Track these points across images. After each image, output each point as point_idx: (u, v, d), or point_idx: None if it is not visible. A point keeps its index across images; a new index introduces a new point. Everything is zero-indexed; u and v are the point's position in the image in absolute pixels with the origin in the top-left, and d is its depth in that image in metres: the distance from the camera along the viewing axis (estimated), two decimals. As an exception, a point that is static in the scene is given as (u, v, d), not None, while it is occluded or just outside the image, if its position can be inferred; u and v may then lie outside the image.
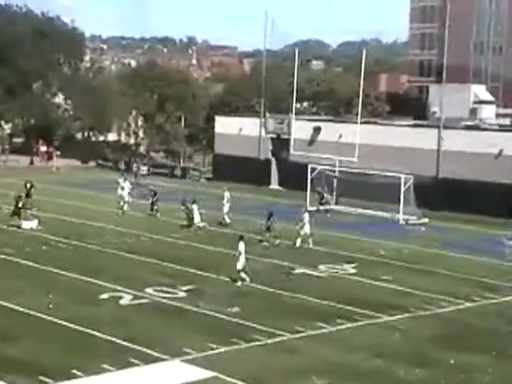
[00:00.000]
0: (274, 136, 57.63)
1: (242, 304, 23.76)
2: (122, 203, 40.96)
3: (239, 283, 26.09)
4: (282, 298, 25.00)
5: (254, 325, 21.66)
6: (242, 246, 26.36)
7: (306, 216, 33.65)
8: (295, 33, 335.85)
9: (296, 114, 54.55)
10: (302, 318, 22.52)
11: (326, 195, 44.76)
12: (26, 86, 76.14)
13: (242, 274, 26.16)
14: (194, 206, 36.71)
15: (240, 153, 57.15)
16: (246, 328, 21.43)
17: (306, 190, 45.72)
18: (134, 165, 60.86)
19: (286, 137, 54.57)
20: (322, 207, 43.90)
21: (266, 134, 57.94)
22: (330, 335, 21.33)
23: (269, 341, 20.46)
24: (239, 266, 26.16)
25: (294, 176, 49.43)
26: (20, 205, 35.14)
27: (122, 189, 41.56)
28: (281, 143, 55.92)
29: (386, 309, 23.91)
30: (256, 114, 60.81)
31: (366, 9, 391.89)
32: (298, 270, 29.13)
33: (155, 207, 40.02)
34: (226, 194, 38.52)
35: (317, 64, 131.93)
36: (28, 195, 39.06)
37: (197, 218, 36.45)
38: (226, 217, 37.82)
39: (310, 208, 44.68)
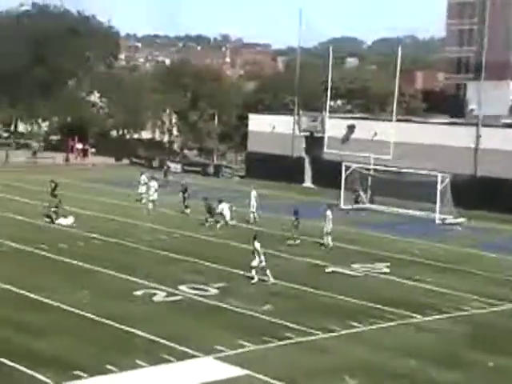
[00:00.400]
0: (308, 134, 57.50)
1: (273, 302, 23.76)
2: (143, 201, 41.31)
3: (255, 280, 26.00)
4: (314, 297, 24.94)
5: (286, 323, 21.66)
6: (257, 244, 26.21)
7: (329, 213, 33.16)
8: (329, 30, 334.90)
9: (330, 111, 54.36)
10: (335, 317, 22.46)
11: (361, 193, 44.43)
12: (61, 85, 77.08)
13: (253, 272, 26.00)
14: (224, 205, 36.46)
15: (273, 151, 57.13)
16: (278, 326, 21.43)
17: (340, 189, 45.54)
18: (167, 163, 60.98)
19: (319, 135, 54.41)
20: (356, 205, 43.66)
21: (299, 131, 57.83)
22: (362, 334, 21.24)
23: (301, 339, 20.44)
24: (254, 263, 26.06)
25: (328, 174, 49.27)
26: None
27: (147, 187, 41.71)
28: (314, 141, 55.77)
29: (419, 309, 23.73)
30: (289, 112, 60.74)
31: (402, 5, 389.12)
32: (331, 269, 29.05)
33: (185, 204, 39.91)
34: (253, 193, 38.33)
35: (351, 62, 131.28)
36: (53, 194, 39.30)
37: (227, 216, 36.38)
38: (251, 215, 37.77)
39: (343, 206, 44.65)
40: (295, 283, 26.30)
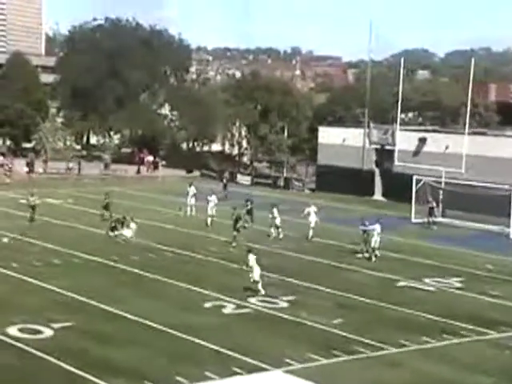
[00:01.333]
0: (378, 147, 56.88)
1: (344, 316, 23.46)
2: (188, 212, 41.07)
3: (261, 292, 25.23)
4: (385, 311, 24.51)
5: (357, 337, 21.32)
6: (251, 258, 25.65)
7: (378, 227, 32.18)
8: (401, 42, 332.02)
9: (401, 124, 53.63)
10: (406, 332, 22.01)
11: (435, 207, 43.31)
12: (133, 97, 78.34)
13: (259, 286, 25.25)
14: (275, 211, 36.47)
15: (343, 163, 56.69)
16: (349, 340, 21.12)
17: (411, 202, 44.84)
18: (226, 175, 58.93)
19: (390, 147, 53.73)
20: (430, 219, 42.66)
21: (369, 144, 57.26)
22: (434, 350, 20.73)
23: (371, 354, 20.09)
24: (256, 277, 25.32)
25: (398, 187, 48.55)
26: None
27: (195, 198, 41.53)
28: (385, 154, 55.13)
29: (494, 325, 23.06)
30: (360, 125, 60.26)
31: (476, 17, 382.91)
32: (402, 283, 28.53)
33: (245, 217, 38.34)
34: (313, 208, 37.25)
35: (422, 74, 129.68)
36: (106, 207, 39.26)
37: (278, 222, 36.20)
38: (310, 232, 36.26)
39: (414, 220, 43.91)
40: (366, 297, 25.91)
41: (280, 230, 36.40)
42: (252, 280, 25.42)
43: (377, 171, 56.74)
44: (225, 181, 54.53)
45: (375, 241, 32.14)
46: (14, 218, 39.05)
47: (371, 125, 58.20)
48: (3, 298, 24.06)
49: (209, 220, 39.32)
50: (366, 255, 32.49)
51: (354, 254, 32.91)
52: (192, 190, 43.49)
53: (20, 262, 28.85)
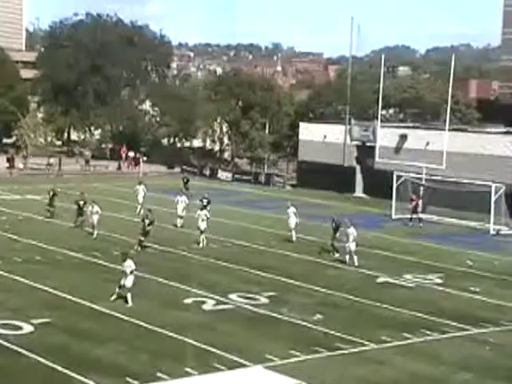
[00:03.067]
0: (359, 143, 57.08)
1: (325, 312, 23.51)
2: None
3: (127, 304, 23.21)
4: (365, 307, 24.61)
5: (338, 333, 21.38)
6: (129, 263, 23.65)
7: (353, 231, 30.72)
8: (382, 39, 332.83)
9: (382, 121, 53.86)
10: (387, 328, 22.09)
11: (418, 205, 43.08)
12: (114, 93, 78.06)
13: (129, 295, 23.36)
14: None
15: (324, 160, 56.85)
16: (329, 336, 21.16)
17: (392, 198, 45.03)
18: (186, 174, 55.51)
19: (371, 144, 53.95)
20: (415, 215, 42.64)
21: (350, 141, 57.43)
22: (415, 346, 20.83)
23: (352, 350, 20.15)
24: (128, 283, 23.38)
25: (379, 184, 48.76)
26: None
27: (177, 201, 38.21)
28: (366, 150, 55.31)
29: (474, 321, 23.22)
30: (341, 121, 60.39)
31: (456, 13, 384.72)
32: (383, 279, 28.66)
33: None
34: (292, 209, 35.52)
35: (404, 70, 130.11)
36: (51, 204, 38.98)
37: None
38: (293, 233, 35.14)
39: (395, 216, 44.11)
40: (346, 293, 26.00)
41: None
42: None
43: (358, 168, 56.90)
44: (185, 179, 52.00)
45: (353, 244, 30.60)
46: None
47: (352, 121, 58.36)
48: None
49: (178, 221, 37.71)
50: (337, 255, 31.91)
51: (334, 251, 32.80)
52: (142, 188, 42.23)
53: (1, 259, 28.67)
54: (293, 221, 35.27)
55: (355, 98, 63.49)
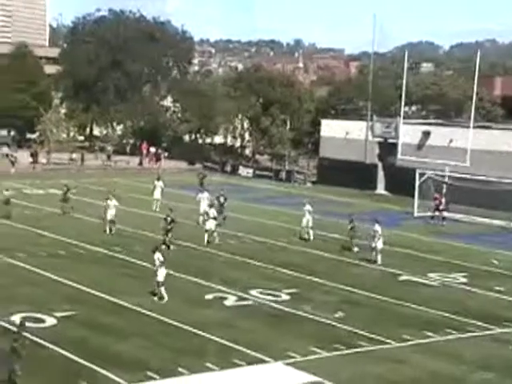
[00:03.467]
0: (381, 140, 56.79)
1: (347, 310, 23.44)
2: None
3: (162, 300, 23.21)
4: (387, 306, 24.49)
5: (359, 331, 21.31)
6: (158, 256, 23.94)
7: (379, 228, 30.70)
8: (405, 35, 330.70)
9: (404, 117, 53.52)
10: (409, 327, 21.99)
11: (441, 203, 42.66)
12: (136, 89, 78.26)
13: (162, 290, 23.36)
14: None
15: (345, 157, 56.57)
16: (351, 334, 21.11)
17: (414, 196, 44.76)
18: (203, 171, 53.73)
19: (393, 141, 53.62)
20: (438, 214, 42.29)
21: (372, 137, 57.14)
22: (437, 345, 20.71)
23: (373, 348, 20.08)
24: (160, 278, 23.30)
25: (401, 181, 48.43)
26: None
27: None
28: (388, 147, 54.98)
29: (498, 321, 23.02)
30: (363, 118, 60.10)
31: (481, 9, 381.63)
32: (405, 277, 28.50)
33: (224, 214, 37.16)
34: (308, 208, 35.39)
35: (427, 67, 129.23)
36: (65, 199, 38.80)
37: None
38: (310, 231, 34.76)
39: (417, 214, 43.83)
40: (368, 291, 25.89)
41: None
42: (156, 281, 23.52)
43: (379, 165, 56.59)
44: (201, 176, 51.00)
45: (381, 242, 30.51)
46: (20, 208, 39.00)
47: (374, 118, 58.05)
48: (8, 288, 24.13)
49: (200, 219, 36.93)
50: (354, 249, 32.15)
51: (356, 248, 32.69)
52: (160, 184, 42.01)
53: (26, 252, 28.87)
54: (306, 219, 34.93)
55: (377, 95, 63.15)
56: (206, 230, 32.66)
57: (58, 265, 27.53)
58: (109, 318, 21.41)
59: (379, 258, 30.31)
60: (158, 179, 42.69)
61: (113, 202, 34.61)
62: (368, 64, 69.42)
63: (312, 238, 34.68)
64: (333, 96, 77.42)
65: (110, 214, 34.22)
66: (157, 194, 41.67)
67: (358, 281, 27.26)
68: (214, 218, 33.27)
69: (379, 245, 30.38)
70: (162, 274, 23.38)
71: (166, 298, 23.20)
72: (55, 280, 25.39)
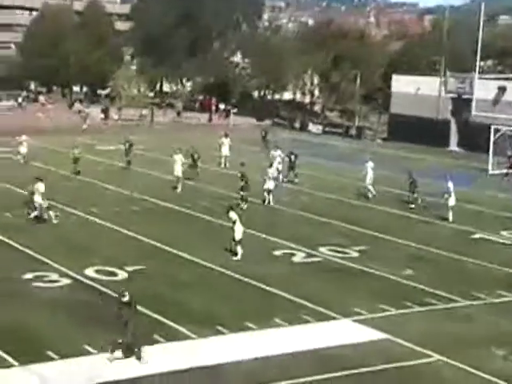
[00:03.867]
0: (455, 95, 55.50)
1: (416, 267, 23.19)
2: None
3: (237, 257, 23.31)
4: (459, 264, 24.12)
5: (428, 289, 21.07)
6: (233, 215, 23.68)
7: (451, 185, 30.24)
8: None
9: (479, 72, 52.06)
10: (481, 285, 21.63)
11: None
12: (206, 45, 78.14)
13: (239, 248, 23.40)
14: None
15: (417, 113, 55.56)
16: (420, 292, 20.90)
17: (488, 153, 43.72)
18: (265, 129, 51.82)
19: (467, 96, 52.34)
20: (510, 171, 41.29)
21: (445, 93, 55.89)
22: (509, 304, 20.30)
23: (442, 306, 19.85)
24: (237, 236, 23.29)
25: (475, 138, 47.42)
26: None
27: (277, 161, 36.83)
28: (462, 103, 53.76)
29: None
30: (436, 73, 58.77)
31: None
32: (478, 235, 27.99)
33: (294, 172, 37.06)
34: (370, 164, 34.63)
35: (504, 19, 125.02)
36: (127, 154, 39.21)
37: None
38: (370, 188, 34.21)
39: (491, 171, 42.84)
40: (438, 248, 25.53)
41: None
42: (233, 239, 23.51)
43: (453, 121, 55.45)
44: (263, 133, 50.20)
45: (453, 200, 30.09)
46: (93, 164, 39.76)
47: (448, 73, 56.70)
48: (82, 242, 24.69)
49: (280, 177, 36.48)
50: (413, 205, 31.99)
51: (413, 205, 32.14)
52: (227, 141, 41.54)
53: (99, 208, 29.41)
54: (369, 176, 34.31)
55: (451, 49, 61.56)
56: (264, 190, 31.97)
57: (131, 220, 27.97)
58: (179, 272, 21.70)
59: (450, 215, 29.83)
60: (226, 136, 42.73)
61: (179, 157, 34.65)
62: (442, 17, 67.52)
63: (375, 194, 34.08)
64: (405, 51, 75.84)
65: (177, 169, 34.36)
66: (225, 151, 41.80)
67: (428, 238, 26.90)
68: (274, 179, 32.59)
69: (451, 202, 29.88)
70: (238, 231, 23.41)
71: (240, 256, 23.33)
72: (128, 235, 25.83)
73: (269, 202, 31.76)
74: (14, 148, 41.02)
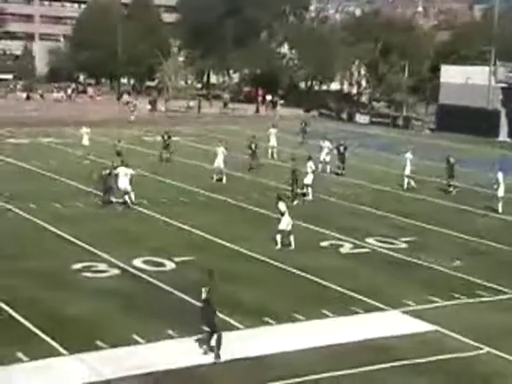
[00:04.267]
0: (505, 85, 54.56)
1: (465, 259, 22.90)
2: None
3: (278, 246, 23.30)
4: (508, 255, 23.72)
5: (478, 280, 20.80)
6: (282, 206, 23.55)
7: (501, 176, 29.73)
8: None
9: (530, 61, 51.15)
10: (531, 278, 21.25)
11: None
12: (253, 36, 78.18)
13: (278, 237, 23.31)
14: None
15: (466, 103, 54.82)
16: (469, 283, 20.64)
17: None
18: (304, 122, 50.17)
19: (517, 86, 51.47)
20: None
21: (495, 83, 54.99)
22: (561, 297, 19.92)
23: (493, 298, 19.57)
24: (281, 226, 23.29)
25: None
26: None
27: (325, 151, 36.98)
28: (512, 93, 52.90)
29: None
30: (485, 63, 57.85)
31: None
32: (528, 227, 27.54)
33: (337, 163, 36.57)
34: (409, 155, 34.01)
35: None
36: (166, 147, 38.56)
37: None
38: (405, 179, 33.59)
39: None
40: (489, 240, 25.17)
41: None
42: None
43: (503, 111, 54.56)
44: (303, 125, 48.60)
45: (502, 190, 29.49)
46: (140, 156, 40.09)
47: (497, 62, 55.77)
48: (129, 232, 24.86)
49: (320, 166, 36.04)
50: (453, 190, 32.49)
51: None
52: (275, 132, 41.41)
53: (148, 199, 29.60)
54: (408, 168, 33.63)
55: (502, 38, 60.52)
56: (303, 184, 31.05)
57: (179, 211, 28.12)
58: (227, 264, 21.70)
59: (500, 206, 29.37)
60: (274, 126, 42.70)
61: (221, 149, 34.35)
62: (493, 6, 66.37)
63: (413, 185, 33.48)
64: (454, 40, 74.83)
65: (218, 161, 34.03)
66: (272, 141, 41.79)
67: (477, 229, 26.54)
68: (313, 172, 31.55)
69: (500, 192, 29.44)
70: (284, 222, 23.32)
71: (280, 245, 23.32)
72: (176, 226, 25.97)
73: (306, 195, 30.88)
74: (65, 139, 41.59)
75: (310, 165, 31.43)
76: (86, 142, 40.40)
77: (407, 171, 33.78)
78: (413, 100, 70.74)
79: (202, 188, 32.16)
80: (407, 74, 70.34)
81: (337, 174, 36.71)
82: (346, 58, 73.00)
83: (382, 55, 72.00)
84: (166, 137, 39.51)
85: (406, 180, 33.71)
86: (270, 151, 41.46)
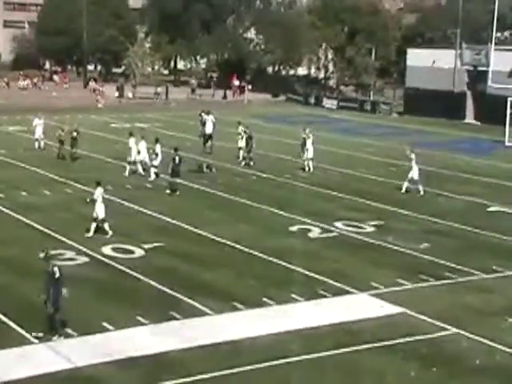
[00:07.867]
0: (471, 68, 55.01)
1: (432, 241, 23.13)
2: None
3: (108, 235, 22.49)
4: (476, 237, 24.03)
5: (445, 262, 21.02)
6: (98, 192, 22.77)
7: (413, 156, 29.51)
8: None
9: (496, 44, 51.46)
10: (499, 258, 21.54)
11: None
12: (220, 21, 77.83)
13: (105, 226, 22.62)
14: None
15: (433, 86, 55.20)
16: (436, 265, 20.85)
17: (505, 125, 43.39)
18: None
19: (483, 68, 51.84)
20: None
21: (461, 65, 55.41)
22: (528, 277, 20.24)
23: (461, 279, 19.79)
24: (100, 214, 22.56)
25: (492, 110, 47.06)
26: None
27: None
28: (478, 75, 53.31)
29: None
30: (451, 46, 58.23)
31: None
32: (494, 208, 27.86)
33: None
34: (412, 156, 31.08)
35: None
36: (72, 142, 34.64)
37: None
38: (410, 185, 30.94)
39: (508, 143, 42.54)
40: (455, 222, 25.44)
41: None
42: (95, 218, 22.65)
43: (469, 93, 55.02)
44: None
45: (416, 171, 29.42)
46: (108, 143, 39.81)
47: (463, 45, 56.17)
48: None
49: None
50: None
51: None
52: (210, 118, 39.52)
53: (114, 185, 29.39)
54: (416, 171, 30.08)
55: (467, 21, 60.95)
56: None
57: (145, 198, 28.04)
58: (195, 248, 21.75)
59: (420, 187, 29.17)
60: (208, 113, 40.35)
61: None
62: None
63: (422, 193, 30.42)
64: (420, 23, 75.15)
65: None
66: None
67: (444, 211, 26.80)
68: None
69: (411, 174, 29.19)
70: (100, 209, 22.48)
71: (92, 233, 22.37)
72: (143, 212, 25.88)
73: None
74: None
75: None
76: (38, 135, 37.19)
77: (416, 176, 30.35)
78: (380, 83, 71.02)
79: (164, 173, 31.98)
80: (374, 57, 70.57)
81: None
82: (312, 42, 72.95)
83: (349, 39, 72.07)
84: (74, 134, 35.02)
85: (407, 185, 30.47)
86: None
